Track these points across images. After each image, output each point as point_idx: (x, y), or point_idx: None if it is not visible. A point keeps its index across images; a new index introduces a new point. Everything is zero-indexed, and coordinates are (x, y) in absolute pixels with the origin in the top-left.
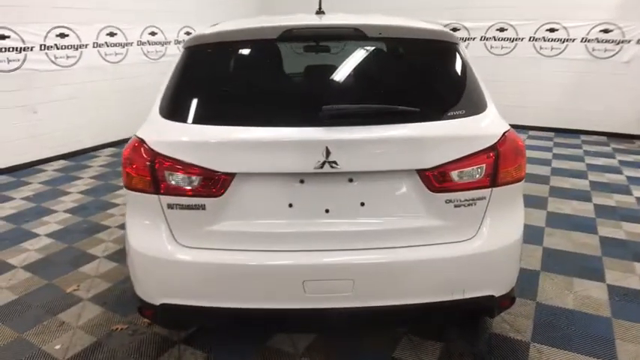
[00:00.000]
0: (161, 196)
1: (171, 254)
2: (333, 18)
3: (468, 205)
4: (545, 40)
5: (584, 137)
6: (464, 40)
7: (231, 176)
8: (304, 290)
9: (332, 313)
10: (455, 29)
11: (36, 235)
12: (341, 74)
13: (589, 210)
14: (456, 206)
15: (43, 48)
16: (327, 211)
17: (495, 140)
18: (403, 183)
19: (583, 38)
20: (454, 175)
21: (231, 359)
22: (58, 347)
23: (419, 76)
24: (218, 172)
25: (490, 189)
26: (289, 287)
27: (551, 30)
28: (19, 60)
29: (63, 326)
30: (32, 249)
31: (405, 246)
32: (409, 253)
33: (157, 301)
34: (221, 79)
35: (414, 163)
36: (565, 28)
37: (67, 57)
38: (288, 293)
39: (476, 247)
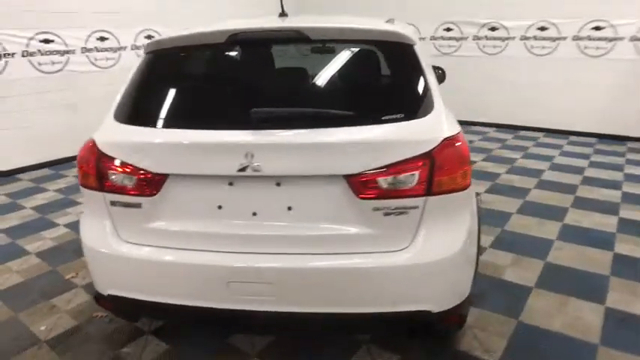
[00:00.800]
0: (105, 194)
1: (114, 249)
2: (291, 21)
3: (399, 213)
4: (590, 39)
5: (631, 144)
6: (502, 40)
7: (164, 177)
8: (229, 291)
9: (257, 316)
10: (493, 28)
11: (56, 225)
12: (278, 77)
13: (611, 224)
14: (385, 214)
15: (84, 51)
16: (254, 214)
17: (432, 146)
18: (331, 189)
19: (632, 37)
20: (382, 182)
21: (191, 351)
22: (42, 328)
23: (359, 79)
24: (151, 172)
25: (424, 198)
26: (215, 287)
27: (597, 28)
28: (61, 62)
29: (53, 310)
30: (49, 237)
31: (331, 253)
32: (334, 261)
33: (106, 292)
34: (165, 82)
35: (341, 168)
36: (613, 26)
37: (107, 59)
38: (215, 293)
39: (408, 259)
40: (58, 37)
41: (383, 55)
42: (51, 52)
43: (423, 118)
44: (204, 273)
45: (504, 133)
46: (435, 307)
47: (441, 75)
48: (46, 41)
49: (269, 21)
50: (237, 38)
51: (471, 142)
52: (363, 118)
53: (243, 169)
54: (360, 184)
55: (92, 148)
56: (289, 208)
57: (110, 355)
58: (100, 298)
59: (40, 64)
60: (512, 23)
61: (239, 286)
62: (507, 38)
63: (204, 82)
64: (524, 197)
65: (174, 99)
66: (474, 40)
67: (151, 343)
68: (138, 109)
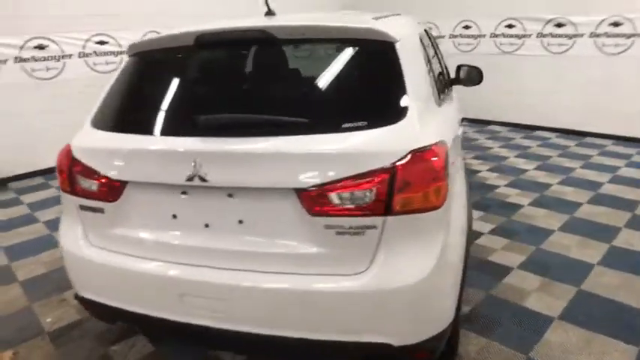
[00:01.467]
0: (75, 198)
1: (83, 252)
2: (277, 20)
3: (354, 234)
4: None
5: None
6: (569, 37)
7: (123, 184)
8: (183, 304)
9: (209, 332)
10: (560, 24)
11: None
12: (242, 81)
13: None
14: (338, 234)
15: None
16: (206, 225)
17: (394, 159)
18: (282, 203)
19: None
20: (334, 197)
21: (174, 356)
22: (49, 320)
23: (324, 82)
24: (111, 178)
25: (383, 217)
26: (169, 299)
27: None
28: (115, 62)
29: (62, 303)
30: None
31: (281, 272)
32: (284, 281)
33: (80, 293)
34: (132, 87)
35: (292, 181)
36: None
37: None
38: (169, 305)
39: (363, 285)
40: (113, 38)
41: (358, 56)
42: (105, 53)
43: (388, 127)
44: (158, 284)
45: (568, 140)
46: (395, 341)
47: (476, 76)
48: (102, 42)
49: (255, 21)
50: (203, 40)
51: (527, 148)
52: (321, 126)
53: (191, 179)
54: (311, 200)
55: (67, 152)
56: (240, 222)
57: (100, 352)
58: (78, 299)
59: (95, 64)
60: (580, 19)
61: (191, 300)
62: (575, 35)
63: (164, 86)
64: (572, 212)
65: (136, 104)
66: (537, 37)
67: (139, 343)
68: (106, 114)
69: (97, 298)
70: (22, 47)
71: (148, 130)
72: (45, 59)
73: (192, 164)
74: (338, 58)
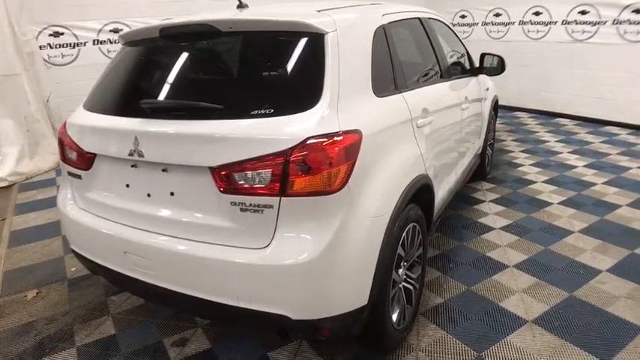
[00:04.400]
0: (65, 165)
1: (68, 211)
2: (243, 13)
3: (254, 211)
4: None
5: None
6: (593, 24)
7: (93, 155)
8: (125, 259)
9: (142, 285)
10: (583, 12)
11: None
12: (185, 69)
13: None
14: (242, 210)
15: None
16: (148, 195)
17: (289, 145)
18: (201, 180)
19: None
20: (237, 177)
21: (157, 312)
22: (73, 269)
23: (243, 72)
24: (84, 150)
25: (278, 198)
26: (117, 254)
27: None
28: None
29: None
30: None
31: (199, 241)
32: (197, 247)
33: (70, 246)
34: (112, 73)
35: (206, 160)
36: None
37: None
38: (117, 259)
39: (260, 258)
40: (127, 26)
41: (286, 48)
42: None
43: (293, 115)
44: (111, 241)
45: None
46: (293, 314)
47: (498, 64)
48: (115, 31)
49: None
50: (164, 33)
51: (587, 144)
52: (234, 112)
53: (132, 154)
54: (220, 178)
55: (63, 127)
56: (172, 194)
57: (100, 299)
58: (72, 251)
59: (109, 51)
60: (605, 5)
61: (131, 257)
62: (598, 23)
63: (129, 73)
64: (604, 215)
65: (107, 89)
66: (613, 24)
67: (134, 298)
68: (90, 97)
69: (79, 251)
70: (100, 31)
71: (108, 111)
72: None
73: (134, 142)
74: (268, 50)
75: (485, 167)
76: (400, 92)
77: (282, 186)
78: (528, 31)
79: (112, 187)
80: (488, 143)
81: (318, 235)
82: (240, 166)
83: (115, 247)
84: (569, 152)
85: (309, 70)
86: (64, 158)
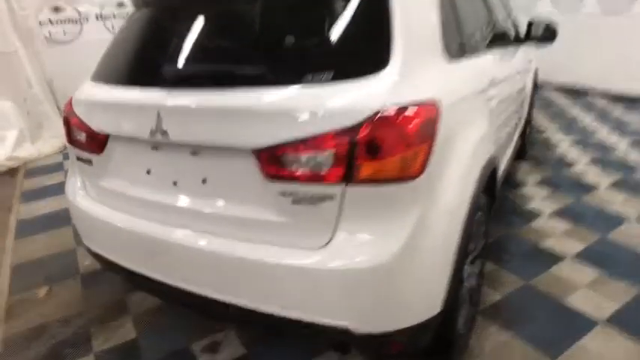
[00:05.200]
0: (73, 148)
1: (79, 202)
2: None
3: (310, 203)
4: None
5: None
6: None
7: (106, 136)
8: (152, 261)
9: (177, 292)
10: None
11: None
12: (213, 33)
13: None
14: (294, 202)
15: None
16: (175, 183)
17: (357, 120)
18: (240, 164)
19: None
20: (288, 160)
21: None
22: (86, 263)
23: (291, 28)
24: (95, 130)
25: (342, 186)
26: (139, 254)
27: None
28: None
29: None
30: None
31: (239, 238)
32: (236, 247)
33: (82, 241)
34: (124, 40)
35: (248, 140)
36: None
37: None
38: (139, 260)
39: (319, 261)
40: None
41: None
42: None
43: (359, 80)
44: (129, 238)
45: None
46: (357, 327)
47: (548, 33)
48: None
49: None
50: None
51: (625, 122)
52: (282, 79)
53: (153, 134)
54: (266, 162)
55: (69, 104)
56: (204, 181)
57: (118, 297)
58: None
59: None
60: None
61: (155, 258)
62: None
63: (146, 40)
64: None
65: (121, 54)
66: None
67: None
68: (100, 67)
69: (94, 249)
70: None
71: (123, 81)
72: None
73: (155, 118)
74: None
75: (525, 146)
76: (470, 56)
77: (346, 172)
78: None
79: (130, 175)
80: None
81: (392, 232)
82: (293, 147)
83: (136, 246)
84: (607, 131)
85: (374, 23)
86: (72, 140)
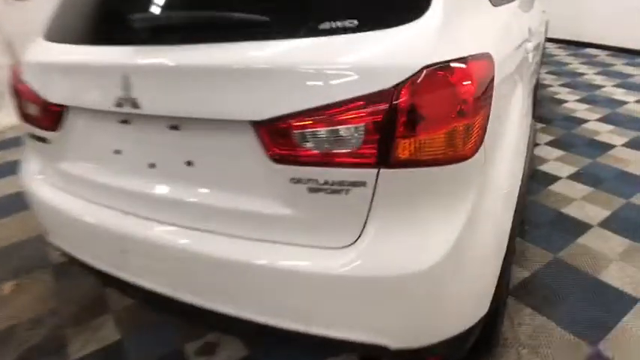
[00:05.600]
0: (26, 124)
1: (38, 191)
2: None
3: (333, 192)
4: None
5: None
6: None
7: (63, 108)
8: (126, 262)
9: (162, 300)
10: None
11: None
12: None
13: None
14: (311, 190)
15: None
16: (151, 165)
17: (394, 81)
18: (236, 141)
19: None
20: (302, 136)
21: None
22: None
23: None
24: (49, 101)
25: (376, 169)
26: (112, 253)
27: None
28: None
29: None
30: None
31: (239, 236)
32: (233, 246)
33: (43, 234)
34: None
35: (246, 110)
36: None
37: None
38: (113, 260)
39: (345, 265)
40: None
41: None
42: None
43: (393, 29)
44: (99, 234)
45: None
46: (394, 342)
47: None
48: None
49: None
50: None
51: (630, 76)
52: (292, 28)
53: (120, 104)
54: (271, 139)
55: (16, 70)
56: (189, 163)
57: (96, 292)
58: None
59: None
60: None
61: (133, 257)
62: None
63: None
64: None
65: (78, 7)
66: None
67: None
68: (53, 21)
69: (60, 245)
70: None
71: (81, 39)
72: None
73: (121, 83)
74: None
75: (535, 104)
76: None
77: (380, 151)
78: None
79: (96, 156)
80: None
81: (440, 228)
82: (307, 119)
83: (107, 244)
84: (613, 86)
85: None
86: (23, 114)
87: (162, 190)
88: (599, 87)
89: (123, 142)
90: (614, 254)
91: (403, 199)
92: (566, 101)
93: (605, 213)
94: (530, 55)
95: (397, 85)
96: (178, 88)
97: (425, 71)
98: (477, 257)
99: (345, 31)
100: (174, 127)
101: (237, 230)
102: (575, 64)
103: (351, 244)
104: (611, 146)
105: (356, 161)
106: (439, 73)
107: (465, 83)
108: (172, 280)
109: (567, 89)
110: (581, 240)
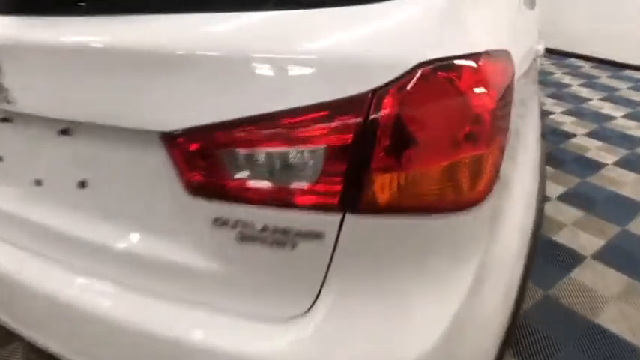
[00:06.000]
0: None
1: None
2: None
3: (275, 244)
4: None
5: None
6: None
7: None
8: (14, 306)
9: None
10: None
11: None
12: None
13: None
14: (243, 239)
15: None
16: (37, 182)
17: (379, 82)
18: (143, 159)
19: None
20: (233, 159)
21: None
22: None
23: None
24: None
25: (339, 215)
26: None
27: None
28: None
29: None
30: None
31: (136, 289)
32: (139, 306)
33: None
34: None
35: (153, 117)
36: None
37: None
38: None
39: (290, 348)
40: None
41: None
42: None
43: (379, 4)
44: None
45: None
46: None
47: None
48: None
49: None
50: None
51: (616, 89)
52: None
53: None
54: (186, 159)
55: None
56: (82, 184)
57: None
58: None
59: None
60: None
61: (19, 305)
62: None
63: None
64: None
65: None
66: None
67: None
68: None
69: None
70: None
71: None
72: None
73: None
74: None
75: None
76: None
77: (348, 188)
78: None
79: None
80: None
81: (432, 300)
82: (241, 132)
83: None
84: (599, 99)
85: None
86: None
87: (47, 216)
88: (586, 99)
89: (5, 148)
90: (611, 294)
91: (377, 262)
92: (552, 113)
93: (598, 242)
94: (539, 62)
95: (377, 89)
96: (62, 79)
97: (420, 71)
98: (477, 342)
99: (304, 3)
100: (65, 132)
101: (141, 282)
102: (559, 74)
103: (301, 315)
104: (602, 165)
105: (310, 202)
106: (441, 75)
107: (478, 91)
108: (65, 342)
109: (553, 100)
110: (574, 274)
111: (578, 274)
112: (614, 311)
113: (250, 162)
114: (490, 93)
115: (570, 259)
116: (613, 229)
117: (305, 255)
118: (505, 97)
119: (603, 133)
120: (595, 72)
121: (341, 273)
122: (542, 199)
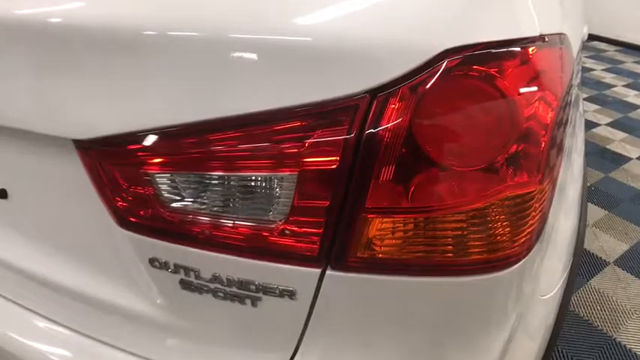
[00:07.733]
0: None
1: None
2: None
3: (229, 298)
4: None
5: None
6: None
7: None
8: None
9: None
10: None
11: None
12: None
13: None
14: (185, 287)
15: None
16: None
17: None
18: (67, 172)
19: None
20: (167, 181)
21: None
22: None
23: None
24: None
25: (319, 269)
26: None
27: None
28: None
29: None
30: None
31: (67, 328)
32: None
33: None
34: None
35: (66, 119)
36: None
37: None
38: None
39: None
40: None
41: None
42: None
43: None
44: None
45: None
46: None
47: None
48: None
49: None
50: None
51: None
52: None
53: None
54: (112, 177)
55: None
56: (3, 194)
57: None
58: None
59: None
60: None
61: None
62: None
63: None
64: None
65: None
66: None
67: None
68: None
69: None
70: None
71: None
72: None
73: None
74: None
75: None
76: None
77: (332, 232)
78: None
79: None
80: None
81: None
82: (185, 143)
83: None
84: (624, 86)
85: None
86: None
87: None
88: (609, 86)
89: None
90: (633, 305)
91: (372, 333)
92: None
93: (622, 247)
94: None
95: (377, 90)
96: None
97: (443, 63)
98: None
99: None
100: None
101: (70, 322)
102: (583, 58)
103: None
104: (626, 159)
105: (275, 248)
106: (475, 70)
107: (530, 93)
108: None
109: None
110: (595, 282)
111: (599, 281)
112: (635, 327)
113: (193, 187)
114: (547, 96)
115: (591, 264)
116: (637, 233)
117: (271, 316)
118: (564, 102)
119: (628, 124)
120: (620, 56)
121: (320, 343)
122: (582, 242)
